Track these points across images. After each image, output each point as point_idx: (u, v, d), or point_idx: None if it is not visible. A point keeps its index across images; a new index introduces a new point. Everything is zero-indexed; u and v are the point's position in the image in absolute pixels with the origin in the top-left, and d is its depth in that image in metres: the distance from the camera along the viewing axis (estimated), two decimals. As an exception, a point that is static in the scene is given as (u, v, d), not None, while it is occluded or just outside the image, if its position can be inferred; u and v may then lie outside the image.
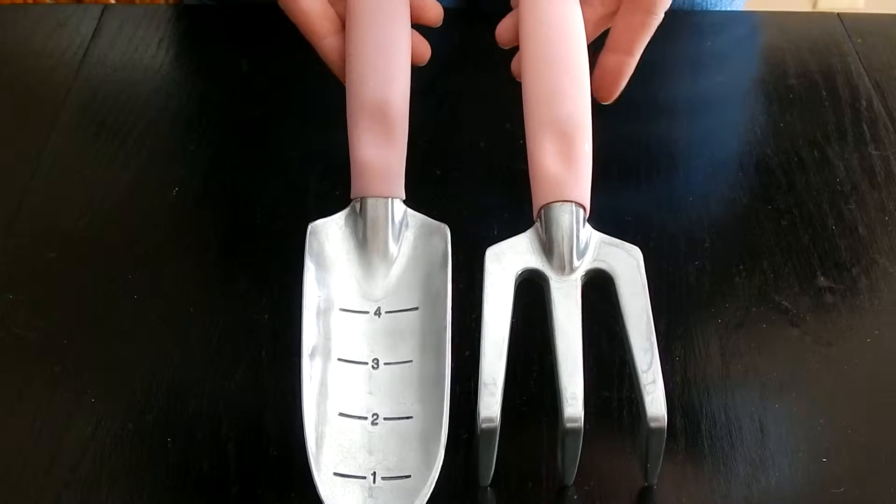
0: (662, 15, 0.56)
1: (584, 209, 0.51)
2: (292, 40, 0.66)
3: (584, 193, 0.51)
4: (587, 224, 0.51)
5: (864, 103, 0.69)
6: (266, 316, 0.56)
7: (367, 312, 0.51)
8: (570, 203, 0.51)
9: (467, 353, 0.52)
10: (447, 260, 0.51)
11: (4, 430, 0.51)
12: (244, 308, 0.56)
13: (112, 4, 0.77)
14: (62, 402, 0.52)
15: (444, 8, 0.59)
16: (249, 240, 0.60)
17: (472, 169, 0.65)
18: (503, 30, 0.57)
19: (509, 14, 0.58)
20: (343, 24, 0.57)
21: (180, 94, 0.70)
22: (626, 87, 0.67)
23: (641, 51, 0.57)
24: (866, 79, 0.71)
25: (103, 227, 0.61)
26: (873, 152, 0.66)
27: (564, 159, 0.51)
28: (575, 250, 0.50)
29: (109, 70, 0.71)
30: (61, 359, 0.54)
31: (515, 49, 0.57)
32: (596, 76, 0.56)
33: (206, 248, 0.60)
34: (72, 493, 0.48)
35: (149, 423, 0.51)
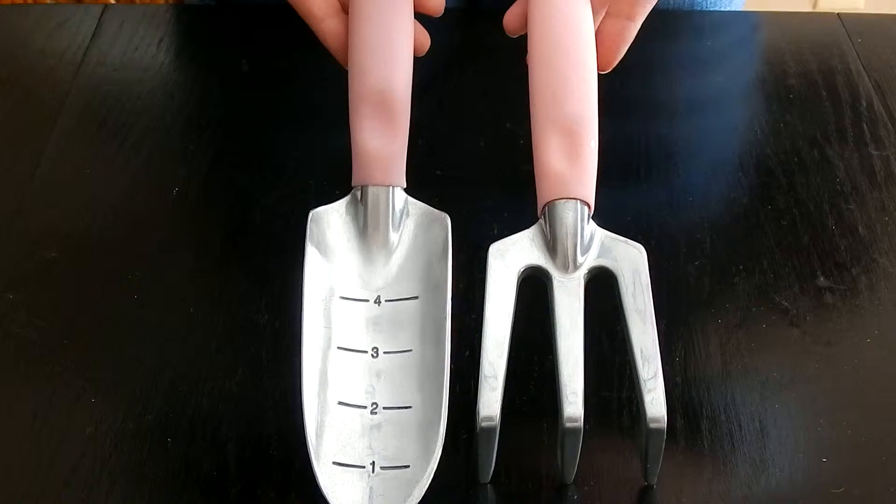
0: None
1: (589, 207, 0.51)
2: (292, 40, 0.66)
3: (588, 191, 0.51)
4: (591, 221, 0.51)
5: (864, 103, 0.69)
6: (266, 316, 0.56)
7: (368, 301, 0.51)
8: (574, 200, 0.50)
9: (467, 353, 0.53)
10: (447, 249, 0.51)
11: (4, 430, 0.51)
12: (244, 308, 0.56)
13: (112, 4, 0.77)
14: (62, 402, 0.52)
15: (444, 8, 0.59)
16: (249, 240, 0.60)
17: (472, 169, 0.65)
18: (511, 17, 0.57)
19: (517, 2, 0.57)
20: (342, 6, 0.57)
21: (180, 94, 0.70)
22: (625, 87, 0.67)
23: (644, 17, 0.57)
24: (866, 79, 0.71)
25: (103, 227, 0.61)
26: (873, 152, 0.66)
27: (570, 156, 0.51)
28: (579, 248, 0.50)
29: (109, 70, 0.71)
30: (61, 359, 0.54)
31: (518, 45, 0.57)
32: (595, 42, 0.56)
33: (206, 248, 0.60)
34: (72, 492, 0.48)
35: (149, 423, 0.51)
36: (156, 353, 0.54)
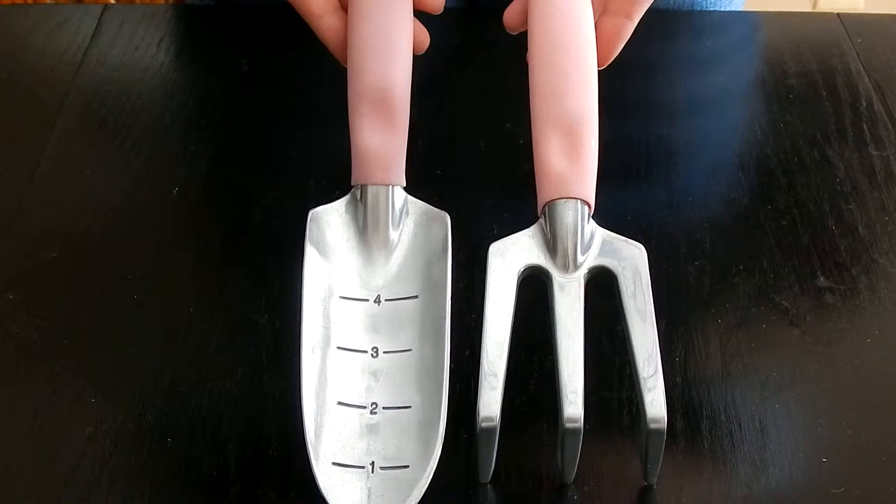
0: None
1: (589, 206, 0.51)
2: (292, 40, 0.66)
3: (588, 190, 0.51)
4: (591, 220, 0.51)
5: (864, 103, 0.69)
6: (266, 316, 0.56)
7: (367, 300, 0.51)
8: (574, 200, 0.50)
9: (467, 352, 0.53)
10: (447, 248, 0.51)
11: (4, 430, 0.51)
12: (244, 308, 0.56)
13: (112, 4, 0.77)
14: (62, 402, 0.52)
15: (444, 7, 0.59)
16: (249, 240, 0.60)
17: (472, 169, 0.65)
18: (511, 14, 0.57)
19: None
20: (341, 3, 0.57)
21: (180, 94, 0.70)
22: (625, 86, 0.67)
23: (641, 15, 0.57)
24: (866, 79, 0.71)
25: (103, 227, 0.61)
26: (873, 152, 0.66)
27: (570, 156, 0.51)
28: (579, 247, 0.50)
29: (109, 70, 0.71)
30: (61, 359, 0.54)
31: (518, 44, 0.57)
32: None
33: (206, 248, 0.60)
34: (72, 492, 0.48)
35: (149, 423, 0.51)
36: (156, 353, 0.54)
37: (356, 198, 0.53)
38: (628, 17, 0.57)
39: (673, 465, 0.50)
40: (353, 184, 0.53)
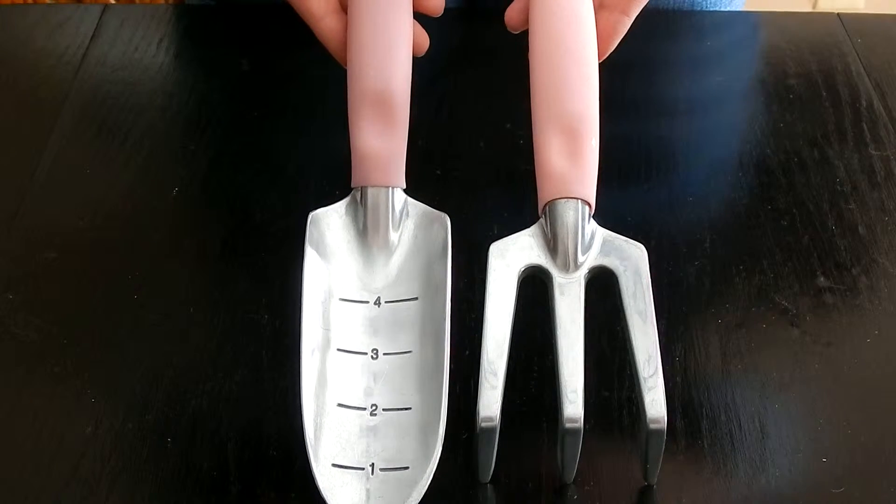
0: None
1: (590, 206, 0.51)
2: (292, 40, 0.66)
3: (589, 190, 0.51)
4: (592, 220, 0.51)
5: (864, 103, 0.69)
6: (266, 316, 0.56)
7: (367, 302, 0.52)
8: (575, 200, 0.50)
9: (467, 352, 0.53)
10: (447, 249, 0.51)
11: (4, 430, 0.51)
12: (244, 308, 0.56)
13: (112, 4, 0.77)
14: (62, 402, 0.52)
15: (444, 8, 0.59)
16: (249, 240, 0.60)
17: (472, 169, 0.65)
18: (513, 13, 0.57)
19: None
20: (341, 5, 0.57)
21: (180, 94, 0.70)
22: (626, 86, 0.67)
23: (638, 11, 0.57)
24: (866, 79, 0.71)
25: (103, 227, 0.61)
26: (873, 152, 0.66)
27: (571, 155, 0.51)
28: (579, 247, 0.50)
29: (109, 70, 0.71)
30: (61, 359, 0.54)
31: (518, 44, 0.57)
32: None
33: (206, 248, 0.60)
34: (72, 492, 0.48)
35: (149, 423, 0.51)
36: (156, 353, 0.54)
37: (356, 200, 0.53)
38: (624, 13, 0.57)
39: (673, 465, 0.50)
40: (353, 186, 0.53)
